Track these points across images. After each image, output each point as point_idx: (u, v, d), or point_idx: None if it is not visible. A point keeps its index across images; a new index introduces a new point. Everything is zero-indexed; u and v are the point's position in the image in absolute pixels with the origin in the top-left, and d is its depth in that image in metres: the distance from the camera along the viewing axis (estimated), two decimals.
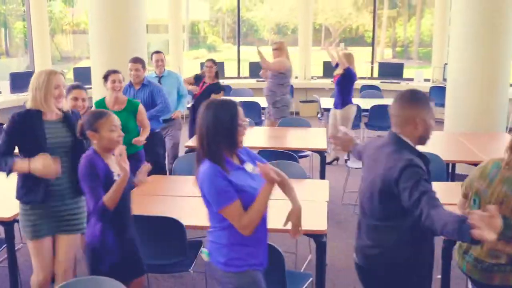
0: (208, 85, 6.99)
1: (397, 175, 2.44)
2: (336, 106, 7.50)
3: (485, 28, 6.45)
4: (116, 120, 3.01)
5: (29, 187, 3.18)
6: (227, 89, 10.57)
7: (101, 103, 4.90)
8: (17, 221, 3.50)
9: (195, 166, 2.54)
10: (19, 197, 3.26)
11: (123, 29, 6.76)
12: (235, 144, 2.52)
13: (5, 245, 3.61)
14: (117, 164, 2.83)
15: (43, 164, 3.00)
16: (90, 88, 6.82)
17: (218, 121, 2.44)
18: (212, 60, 7.16)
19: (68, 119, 3.37)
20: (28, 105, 3.29)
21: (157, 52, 6.50)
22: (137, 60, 5.59)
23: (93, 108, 4.68)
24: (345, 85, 7.36)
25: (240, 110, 2.52)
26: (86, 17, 7.13)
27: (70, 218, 3.32)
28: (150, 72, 6.67)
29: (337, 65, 7.48)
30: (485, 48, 6.50)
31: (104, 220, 2.85)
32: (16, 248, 3.81)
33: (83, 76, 9.42)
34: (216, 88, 6.98)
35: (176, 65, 11.78)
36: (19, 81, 9.26)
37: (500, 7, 6.41)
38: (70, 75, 10.91)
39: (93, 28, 6.91)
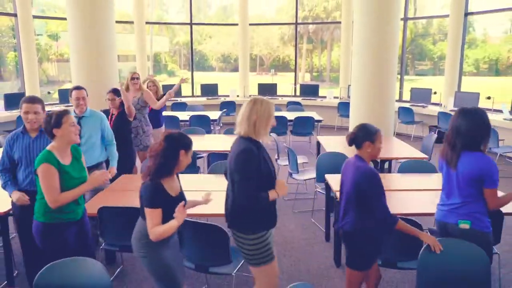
0: (116, 115, 5.06)
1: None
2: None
3: (376, 59, 6.64)
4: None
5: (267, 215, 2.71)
6: (183, 105, 10.51)
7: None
8: (11, 214, 3.36)
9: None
10: (255, 229, 2.67)
11: (98, 58, 6.57)
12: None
13: (0, 235, 3.45)
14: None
15: None
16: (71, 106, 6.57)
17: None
18: (114, 91, 5.04)
19: None
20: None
21: (78, 88, 4.32)
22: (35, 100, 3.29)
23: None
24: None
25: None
26: (68, 48, 6.87)
27: None
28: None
29: None
30: (376, 73, 6.68)
31: None
32: (10, 237, 3.62)
33: (66, 96, 9.15)
34: (123, 115, 5.03)
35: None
36: (12, 101, 9.18)
37: (387, 45, 6.63)
38: (55, 95, 10.56)
39: (73, 58, 6.70)
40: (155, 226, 2.42)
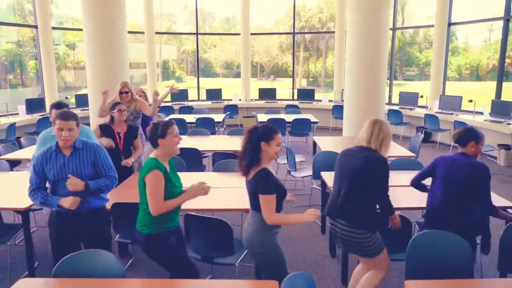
0: (124, 132, 4.41)
1: None
2: None
3: (367, 65, 6.65)
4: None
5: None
6: (189, 109, 10.50)
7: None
8: (32, 210, 3.33)
9: None
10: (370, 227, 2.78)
11: (111, 66, 6.58)
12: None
13: (22, 229, 3.43)
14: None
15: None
16: (88, 109, 6.59)
17: None
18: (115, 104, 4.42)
19: None
20: None
21: (59, 104, 3.48)
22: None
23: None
24: None
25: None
26: (84, 56, 6.87)
27: None
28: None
29: None
30: (367, 78, 6.68)
31: None
32: (31, 231, 3.61)
33: (82, 101, 9.19)
34: (134, 130, 4.51)
35: (152, 93, 11.52)
36: (32, 105, 9.19)
37: (377, 52, 6.62)
38: (73, 100, 10.54)
39: (89, 65, 6.70)
40: (273, 212, 2.48)
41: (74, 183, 2.68)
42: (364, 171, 2.76)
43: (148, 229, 2.62)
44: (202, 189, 2.64)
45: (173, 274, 2.70)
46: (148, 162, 2.61)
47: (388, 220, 2.97)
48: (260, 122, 8.59)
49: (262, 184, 2.49)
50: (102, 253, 2.41)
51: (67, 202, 2.70)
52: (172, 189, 2.63)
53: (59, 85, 11.63)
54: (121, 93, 5.02)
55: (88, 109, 6.68)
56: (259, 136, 2.53)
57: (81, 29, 6.83)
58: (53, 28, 10.24)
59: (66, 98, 11.20)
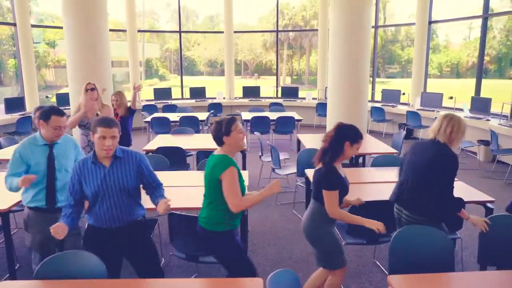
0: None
1: None
2: None
3: (350, 63, 6.68)
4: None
5: None
6: (173, 107, 10.43)
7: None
8: (13, 211, 3.27)
9: None
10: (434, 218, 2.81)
11: (93, 64, 6.47)
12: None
13: (2, 231, 3.35)
14: None
15: None
16: (69, 109, 6.50)
17: None
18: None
19: None
20: None
21: (58, 110, 2.96)
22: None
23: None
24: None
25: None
26: (65, 55, 6.75)
27: None
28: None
29: None
30: (350, 76, 6.72)
31: None
32: (12, 233, 3.54)
33: (63, 100, 9.02)
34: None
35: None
36: (12, 105, 9.03)
37: (360, 50, 6.67)
38: (53, 99, 10.37)
39: (70, 64, 6.58)
40: (335, 206, 2.64)
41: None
42: (431, 164, 2.78)
43: (220, 226, 2.60)
44: (278, 186, 2.59)
45: (234, 272, 2.63)
46: (220, 159, 2.57)
47: (452, 214, 2.89)
48: (245, 120, 8.59)
49: (327, 180, 2.65)
50: (84, 254, 2.37)
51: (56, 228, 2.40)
52: (242, 184, 2.63)
53: (39, 84, 11.40)
54: (87, 90, 4.55)
55: (69, 108, 6.56)
56: (347, 137, 2.70)
57: (61, 27, 6.71)
58: (33, 26, 10.04)
59: (47, 97, 11.00)
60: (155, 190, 2.69)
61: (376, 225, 2.59)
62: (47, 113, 2.86)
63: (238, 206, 2.52)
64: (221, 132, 2.59)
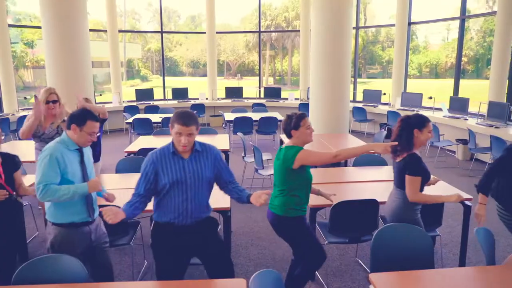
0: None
1: None
2: None
3: (332, 64, 6.74)
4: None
5: None
6: (155, 108, 10.34)
7: None
8: None
9: None
10: None
11: (72, 65, 6.38)
12: None
13: None
14: None
15: None
16: None
17: None
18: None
19: None
20: None
21: (95, 116, 2.67)
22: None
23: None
24: None
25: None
26: (44, 55, 6.62)
27: None
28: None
29: None
30: (332, 78, 6.77)
31: None
32: None
33: None
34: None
35: (116, 92, 11.27)
36: None
37: (342, 51, 6.74)
38: (32, 100, 10.14)
39: (49, 64, 6.46)
40: (417, 191, 2.75)
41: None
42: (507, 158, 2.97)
43: (294, 211, 2.85)
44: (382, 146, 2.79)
45: (306, 254, 2.91)
46: (288, 149, 2.83)
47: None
48: (227, 121, 8.57)
49: (412, 166, 2.75)
50: (64, 258, 2.33)
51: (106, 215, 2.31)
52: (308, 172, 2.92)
53: (17, 85, 11.16)
54: (47, 102, 3.90)
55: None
56: (413, 124, 2.79)
57: (39, 27, 6.58)
58: (10, 25, 9.82)
59: (25, 98, 10.78)
60: (236, 186, 2.66)
61: (454, 198, 2.79)
62: (82, 117, 2.60)
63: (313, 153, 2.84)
64: (290, 125, 2.86)
